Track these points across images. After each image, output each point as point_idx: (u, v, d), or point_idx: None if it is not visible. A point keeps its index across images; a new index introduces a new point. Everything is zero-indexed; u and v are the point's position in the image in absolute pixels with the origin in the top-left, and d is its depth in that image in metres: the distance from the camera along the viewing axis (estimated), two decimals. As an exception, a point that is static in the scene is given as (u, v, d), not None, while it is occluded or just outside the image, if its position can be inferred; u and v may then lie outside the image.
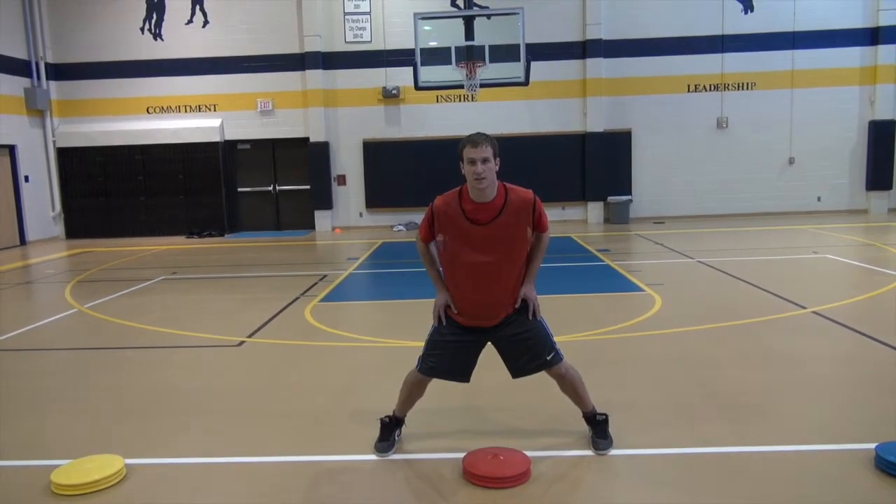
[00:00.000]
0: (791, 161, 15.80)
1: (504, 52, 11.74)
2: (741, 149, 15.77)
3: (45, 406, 4.63)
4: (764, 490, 3.14)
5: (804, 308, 6.57)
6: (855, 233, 12.35)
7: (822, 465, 3.39)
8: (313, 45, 15.48)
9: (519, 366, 3.52)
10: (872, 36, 15.33)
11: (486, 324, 3.47)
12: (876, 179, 15.58)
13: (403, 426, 3.73)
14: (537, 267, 3.51)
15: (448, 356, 3.47)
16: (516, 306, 3.45)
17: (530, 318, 3.45)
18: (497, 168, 3.36)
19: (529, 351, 3.46)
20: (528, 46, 11.88)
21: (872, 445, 3.37)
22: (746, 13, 15.45)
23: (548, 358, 3.48)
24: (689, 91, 15.72)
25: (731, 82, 15.66)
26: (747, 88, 15.66)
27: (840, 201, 15.85)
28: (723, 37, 15.49)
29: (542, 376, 3.59)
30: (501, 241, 3.33)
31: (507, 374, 3.65)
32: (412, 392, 3.64)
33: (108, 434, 4.04)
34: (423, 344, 3.58)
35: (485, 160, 3.27)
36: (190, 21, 15.74)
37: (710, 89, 15.71)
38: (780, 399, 4.31)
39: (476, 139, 3.34)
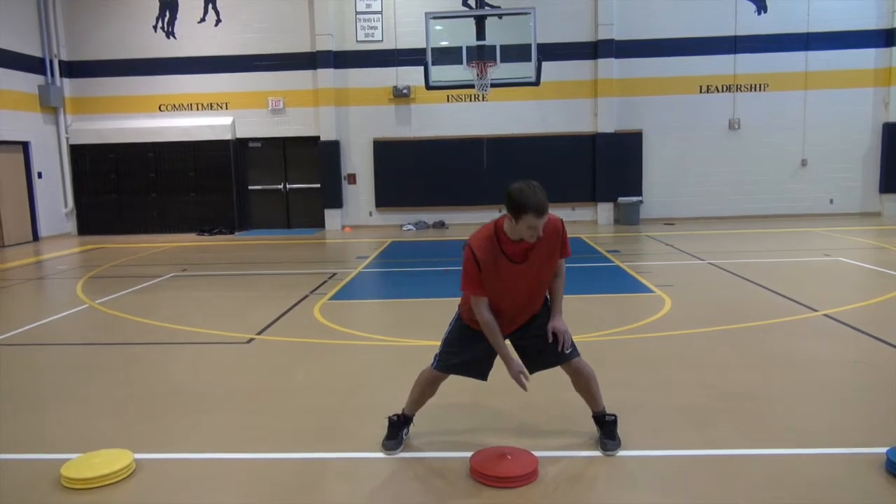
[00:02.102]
0: (804, 163, 15.69)
1: (515, 52, 11.73)
2: (753, 150, 15.67)
3: (56, 400, 4.67)
4: (773, 494, 3.12)
5: (815, 311, 6.53)
6: (867, 236, 12.26)
7: (831, 468, 3.37)
8: (325, 44, 15.52)
9: (537, 360, 3.52)
10: (887, 37, 15.19)
11: (507, 331, 3.51)
12: (889, 182, 15.43)
13: (412, 425, 3.73)
14: (562, 298, 3.53)
15: (466, 353, 3.49)
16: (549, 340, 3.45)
17: (560, 350, 3.44)
18: None
19: (548, 346, 3.46)
20: (540, 46, 11.86)
21: (883, 449, 3.34)
22: (760, 14, 15.35)
23: (566, 351, 3.48)
24: (700, 92, 15.64)
25: (743, 83, 15.57)
26: (760, 90, 15.56)
27: (853, 204, 15.72)
28: (735, 38, 15.40)
29: (553, 376, 3.59)
30: (535, 270, 3.36)
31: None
32: (424, 391, 3.64)
33: (118, 429, 4.07)
34: (431, 342, 3.58)
35: (542, 225, 3.22)
36: (202, 19, 15.82)
37: (723, 90, 15.62)
38: (789, 402, 4.28)
39: (542, 208, 3.14)
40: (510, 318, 3.46)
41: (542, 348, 3.46)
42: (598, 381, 3.68)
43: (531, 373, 3.57)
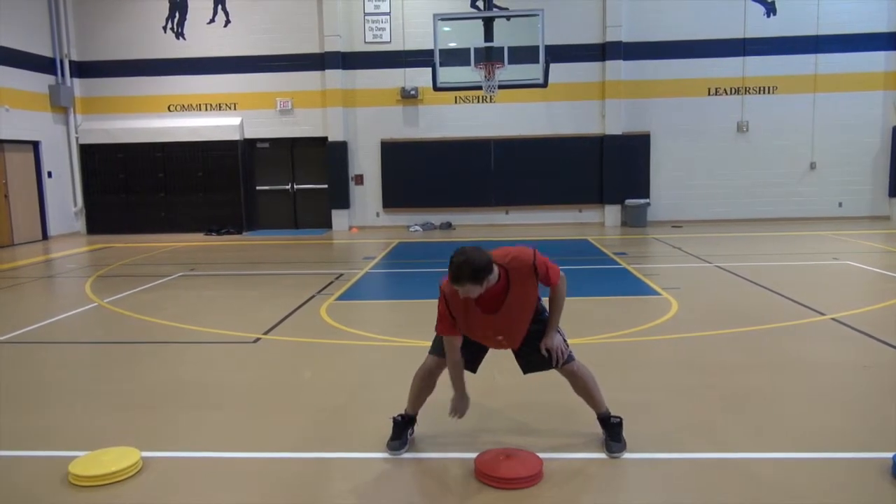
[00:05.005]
0: (812, 166, 15.62)
1: (523, 54, 11.73)
2: (761, 153, 15.61)
3: (65, 398, 4.70)
4: (777, 497, 3.12)
5: (823, 314, 6.50)
6: (876, 239, 12.19)
7: (837, 473, 3.36)
8: (333, 45, 15.56)
9: (531, 361, 3.55)
10: (898, 40, 15.13)
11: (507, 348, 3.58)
12: (899, 186, 15.37)
13: (415, 425, 3.74)
14: (558, 317, 3.49)
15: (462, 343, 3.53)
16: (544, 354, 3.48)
17: (553, 366, 3.48)
18: (487, 280, 3.15)
19: (542, 356, 3.48)
20: (548, 48, 11.86)
21: (889, 454, 3.33)
22: (769, 16, 15.30)
23: (559, 365, 3.50)
24: (709, 94, 15.60)
25: (752, 86, 15.51)
26: (769, 92, 15.50)
27: (862, 207, 15.64)
28: (744, 40, 15.35)
29: (556, 377, 3.59)
30: (511, 317, 3.35)
31: (520, 375, 3.66)
32: (422, 386, 3.65)
33: (126, 427, 4.10)
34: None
35: (467, 292, 3.15)
36: (212, 20, 15.89)
37: (731, 93, 15.57)
38: (795, 405, 4.26)
39: (453, 279, 3.11)
40: (500, 344, 3.51)
41: (537, 356, 3.50)
42: (604, 382, 3.69)
43: (525, 373, 3.63)
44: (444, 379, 3.65)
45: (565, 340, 3.53)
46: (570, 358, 3.53)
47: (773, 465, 3.43)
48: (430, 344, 3.70)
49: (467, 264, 3.07)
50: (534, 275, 3.31)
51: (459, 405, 3.54)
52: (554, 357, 3.45)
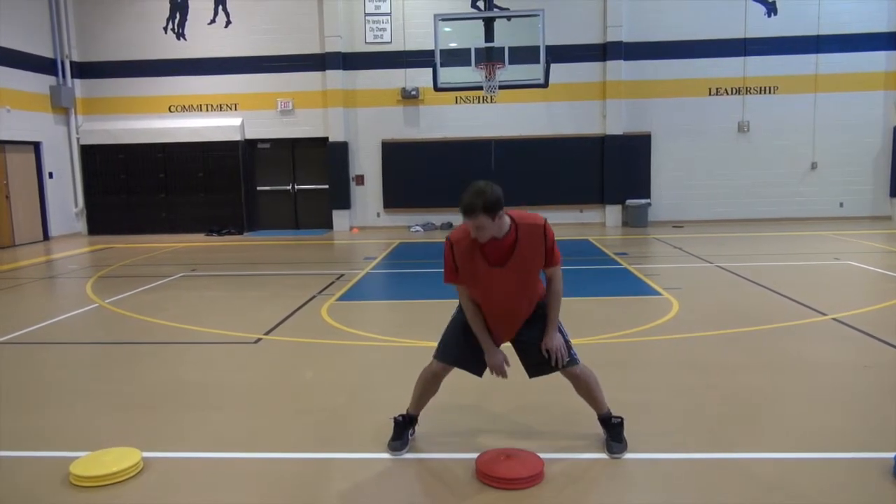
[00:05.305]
0: (813, 166, 15.62)
1: (524, 54, 11.74)
2: (762, 153, 15.60)
3: (65, 398, 4.70)
4: (777, 497, 3.11)
5: (824, 315, 6.50)
6: (877, 239, 12.18)
7: (837, 473, 3.36)
8: (334, 46, 15.57)
9: (536, 365, 3.54)
10: (899, 40, 15.12)
11: (505, 340, 3.56)
12: (900, 186, 15.36)
13: (416, 425, 3.74)
14: (557, 314, 3.48)
15: (464, 346, 3.52)
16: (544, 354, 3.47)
17: (553, 365, 3.46)
18: (500, 218, 3.22)
19: (545, 357, 3.48)
20: (548, 48, 11.86)
21: (890, 454, 3.33)
22: (770, 16, 15.29)
23: (562, 366, 3.49)
24: (710, 94, 15.59)
25: (753, 86, 15.51)
26: (770, 92, 15.49)
27: (863, 207, 15.63)
28: (745, 40, 15.35)
29: (558, 378, 3.59)
30: (517, 276, 3.35)
31: (522, 375, 3.66)
32: (426, 388, 3.65)
33: (127, 427, 4.10)
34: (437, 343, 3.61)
35: (479, 227, 3.19)
36: (212, 21, 15.90)
37: (732, 93, 15.56)
38: (796, 405, 4.26)
39: (466, 208, 3.16)
40: (500, 321, 3.48)
41: (540, 358, 3.49)
42: (605, 382, 3.69)
43: (531, 377, 3.61)
44: (448, 381, 3.65)
45: (568, 342, 3.52)
46: (574, 361, 3.51)
47: (773, 465, 3.43)
48: (431, 344, 3.69)
49: (481, 194, 3.14)
50: (542, 240, 3.34)
51: (495, 361, 3.48)
52: (553, 358, 3.44)
